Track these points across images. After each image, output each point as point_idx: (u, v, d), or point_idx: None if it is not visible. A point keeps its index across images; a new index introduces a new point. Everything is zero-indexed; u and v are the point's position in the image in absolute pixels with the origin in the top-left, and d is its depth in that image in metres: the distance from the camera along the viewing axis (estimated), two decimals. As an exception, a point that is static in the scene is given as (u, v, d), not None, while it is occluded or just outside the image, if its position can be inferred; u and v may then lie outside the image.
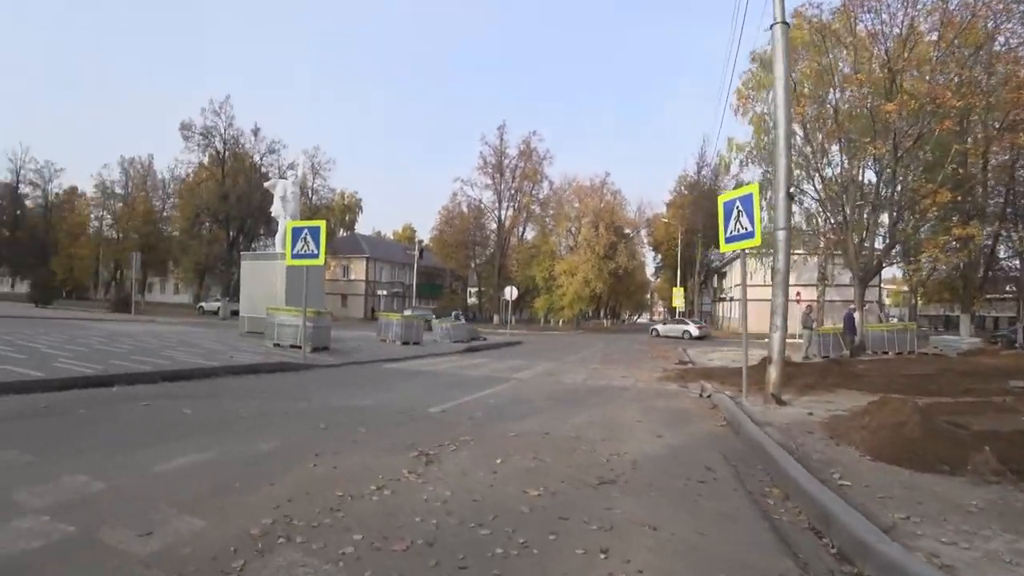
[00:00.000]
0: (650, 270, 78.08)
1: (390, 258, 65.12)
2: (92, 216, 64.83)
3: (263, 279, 17.53)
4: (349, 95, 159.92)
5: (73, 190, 66.39)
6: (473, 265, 64.19)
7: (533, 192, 58.71)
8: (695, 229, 51.31)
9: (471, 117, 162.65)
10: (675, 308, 47.76)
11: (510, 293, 32.84)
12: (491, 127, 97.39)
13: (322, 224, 12.52)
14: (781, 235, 8.56)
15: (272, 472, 4.12)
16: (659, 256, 68.81)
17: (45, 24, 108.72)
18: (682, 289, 48.42)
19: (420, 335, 20.35)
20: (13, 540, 2.74)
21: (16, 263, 60.82)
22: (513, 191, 58.42)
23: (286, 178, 20.25)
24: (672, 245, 54.00)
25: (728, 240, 8.81)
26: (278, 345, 14.02)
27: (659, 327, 41.61)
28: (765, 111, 22.13)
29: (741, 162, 25.22)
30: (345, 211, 70.06)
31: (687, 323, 39.21)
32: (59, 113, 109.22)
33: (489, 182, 58.19)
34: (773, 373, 8.38)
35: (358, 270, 60.92)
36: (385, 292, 58.56)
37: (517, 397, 9.09)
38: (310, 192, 52.17)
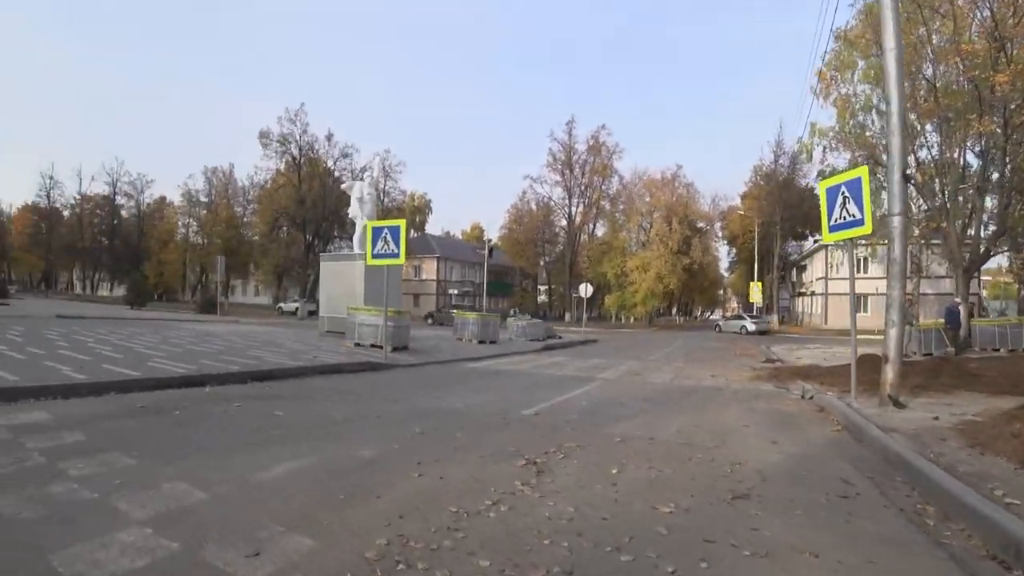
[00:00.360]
0: (724, 265, 75.93)
1: (460, 257, 65.61)
2: (179, 223, 68.81)
3: (342, 279, 17.69)
4: (417, 96, 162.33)
5: (162, 199, 71.11)
6: (543, 263, 63.90)
7: (603, 187, 58.11)
8: (772, 221, 49.25)
9: (539, 114, 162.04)
10: (752, 303, 46.20)
11: (585, 290, 32.28)
12: (559, 123, 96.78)
13: (402, 223, 12.47)
14: (896, 221, 7.75)
15: (375, 483, 3.87)
16: (734, 250, 66.69)
17: (140, 47, 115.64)
18: (759, 284, 46.60)
19: (496, 334, 20.18)
20: (118, 557, 2.57)
21: (113, 269, 65.49)
22: (583, 187, 57.95)
23: (362, 180, 20.46)
24: (748, 238, 51.98)
25: (832, 229, 8.10)
26: (359, 345, 14.09)
27: (721, 323, 46.46)
28: (850, 92, 20.85)
29: (825, 148, 23.78)
30: (415, 212, 71.37)
31: (744, 318, 42.42)
32: (149, 123, 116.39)
33: (558, 179, 58.06)
34: (890, 373, 7.58)
35: (429, 270, 61.65)
36: (456, 291, 58.99)
37: (608, 398, 8.68)
38: (382, 194, 53.08)
